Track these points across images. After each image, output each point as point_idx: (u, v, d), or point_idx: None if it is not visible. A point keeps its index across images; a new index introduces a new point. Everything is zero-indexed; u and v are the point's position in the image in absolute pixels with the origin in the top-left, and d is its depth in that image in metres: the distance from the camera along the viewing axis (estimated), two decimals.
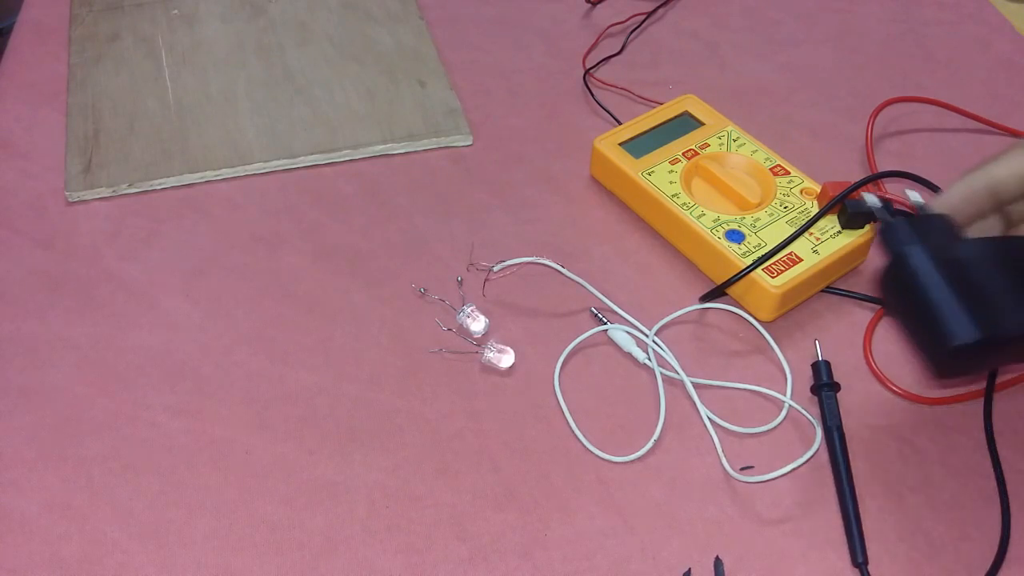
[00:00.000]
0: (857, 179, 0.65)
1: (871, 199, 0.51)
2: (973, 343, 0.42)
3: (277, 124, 0.68)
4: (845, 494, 0.49)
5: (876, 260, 0.60)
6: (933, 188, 0.57)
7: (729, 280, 0.55)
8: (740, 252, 0.56)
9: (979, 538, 0.48)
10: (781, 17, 0.80)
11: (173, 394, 0.53)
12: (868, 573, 0.46)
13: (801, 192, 0.60)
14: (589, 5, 0.80)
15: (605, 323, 0.56)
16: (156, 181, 0.64)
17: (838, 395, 0.52)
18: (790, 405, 0.52)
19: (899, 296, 0.46)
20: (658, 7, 0.80)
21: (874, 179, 0.57)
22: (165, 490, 0.49)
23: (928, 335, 0.44)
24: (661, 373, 0.54)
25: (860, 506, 0.48)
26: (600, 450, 0.51)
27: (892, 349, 0.55)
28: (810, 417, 0.52)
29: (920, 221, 0.47)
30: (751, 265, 0.55)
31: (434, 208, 0.63)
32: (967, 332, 0.42)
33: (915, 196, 0.50)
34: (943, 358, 0.43)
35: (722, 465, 0.50)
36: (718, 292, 0.57)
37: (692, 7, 0.81)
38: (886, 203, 0.50)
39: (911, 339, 0.46)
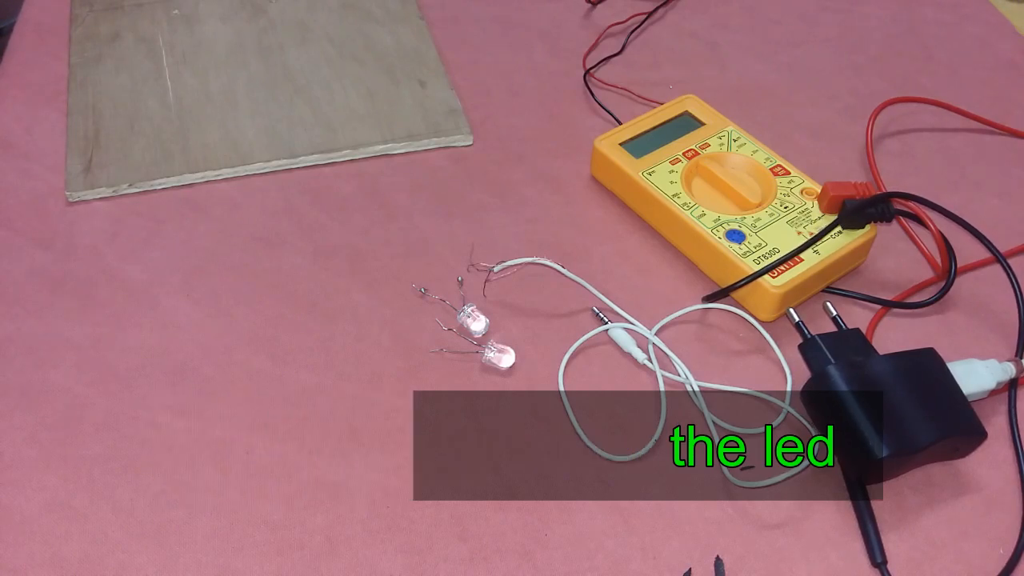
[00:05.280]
0: (857, 179, 0.66)
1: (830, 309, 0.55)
2: (884, 458, 0.46)
3: (277, 124, 0.68)
4: (857, 493, 0.49)
5: (877, 260, 0.61)
6: (941, 211, 0.57)
7: (737, 283, 0.55)
8: (741, 252, 0.56)
9: (980, 538, 0.48)
10: (781, 17, 0.80)
11: (173, 394, 0.53)
12: (888, 573, 0.46)
13: (802, 192, 0.60)
14: (589, 5, 0.80)
15: (606, 322, 0.56)
16: (156, 181, 0.64)
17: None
18: (788, 411, 0.52)
19: (819, 408, 0.50)
20: (658, 7, 0.80)
21: (887, 197, 0.57)
22: (165, 490, 0.49)
23: (846, 449, 0.48)
24: (662, 373, 0.54)
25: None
26: (601, 450, 0.51)
27: (893, 348, 0.55)
28: (807, 423, 0.52)
29: (836, 338, 0.52)
30: (761, 269, 0.55)
31: (434, 208, 0.63)
32: (879, 449, 0.46)
33: (832, 310, 0.54)
34: (861, 468, 0.48)
35: (723, 465, 0.50)
36: (723, 293, 0.57)
37: (692, 7, 0.81)
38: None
39: (832, 447, 0.50)
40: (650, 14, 0.79)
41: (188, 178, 0.64)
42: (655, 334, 0.56)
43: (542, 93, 0.72)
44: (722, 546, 0.47)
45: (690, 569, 0.46)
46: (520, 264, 0.59)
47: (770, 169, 0.62)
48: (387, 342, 0.56)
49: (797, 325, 0.53)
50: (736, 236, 0.57)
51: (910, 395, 0.48)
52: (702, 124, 0.65)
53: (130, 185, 0.64)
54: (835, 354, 0.51)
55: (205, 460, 0.50)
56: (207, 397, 0.53)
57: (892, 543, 0.48)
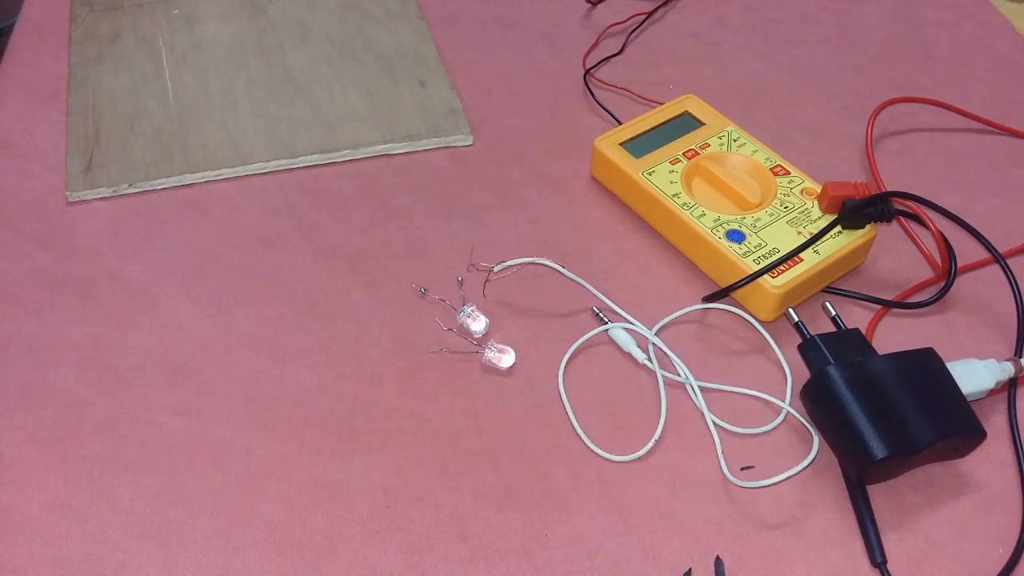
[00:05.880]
0: (857, 179, 0.66)
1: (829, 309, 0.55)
2: (884, 459, 0.46)
3: (277, 124, 0.68)
4: (857, 493, 0.49)
5: (877, 260, 0.61)
6: (941, 211, 0.57)
7: (737, 283, 0.55)
8: (741, 252, 0.56)
9: (980, 538, 0.48)
10: (781, 17, 0.80)
11: (173, 394, 0.53)
12: (888, 573, 0.46)
13: (802, 192, 0.60)
14: (589, 5, 0.80)
15: (606, 322, 0.56)
16: (156, 181, 0.64)
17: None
18: (788, 411, 0.52)
19: (819, 408, 0.50)
20: (658, 7, 0.80)
21: (886, 196, 0.57)
22: (165, 490, 0.49)
23: (846, 449, 0.49)
24: (662, 373, 0.54)
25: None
26: (601, 450, 0.51)
27: (893, 348, 0.55)
28: (807, 423, 0.52)
29: (835, 338, 0.52)
30: (761, 269, 0.55)
31: (434, 208, 0.63)
32: (879, 449, 0.47)
33: (831, 309, 0.55)
34: (861, 468, 0.48)
35: (723, 465, 0.50)
36: (723, 293, 0.57)
37: (692, 7, 0.81)
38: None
39: (832, 447, 0.50)
40: (650, 14, 0.79)
41: (188, 178, 0.64)
42: (655, 334, 0.56)
43: (542, 93, 0.72)
44: (722, 546, 0.47)
45: (690, 569, 0.46)
46: (520, 264, 0.59)
47: (770, 169, 0.62)
48: (387, 342, 0.56)
49: (796, 325, 0.53)
50: (736, 236, 0.57)
51: (909, 395, 0.48)
52: (702, 124, 0.65)
53: (130, 185, 0.64)
54: (834, 354, 0.51)
55: (205, 460, 0.50)
56: (207, 397, 0.53)
57: (892, 543, 0.48)
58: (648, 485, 0.50)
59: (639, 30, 0.78)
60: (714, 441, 0.51)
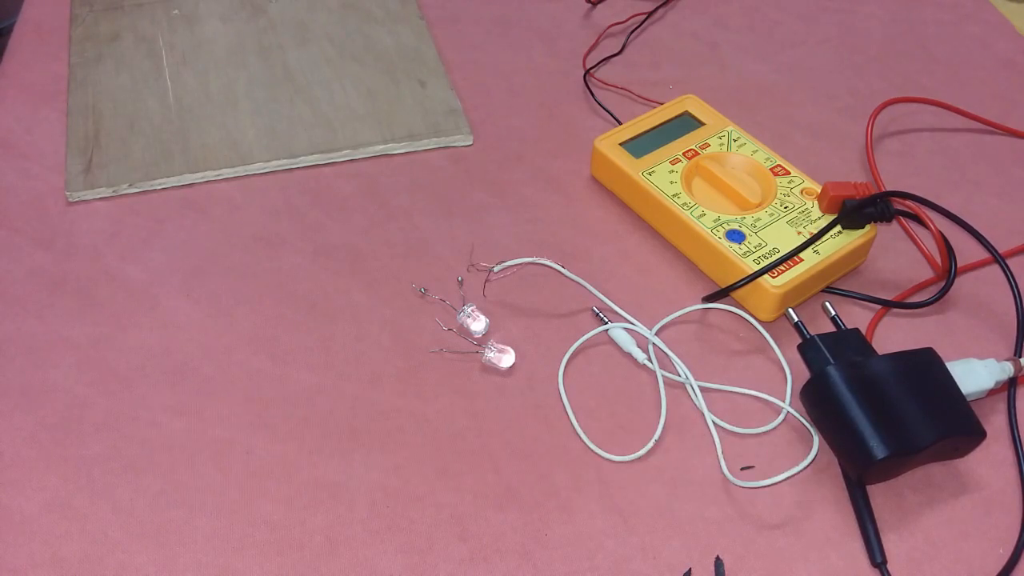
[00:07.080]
0: (857, 179, 0.66)
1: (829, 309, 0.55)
2: (884, 459, 0.46)
3: (277, 124, 0.68)
4: (857, 493, 0.49)
5: (877, 260, 0.61)
6: (941, 211, 0.57)
7: (737, 283, 0.55)
8: (741, 252, 0.56)
9: (980, 538, 0.48)
10: (781, 17, 0.80)
11: (173, 394, 0.53)
12: (888, 573, 0.46)
13: (802, 192, 0.60)
14: (589, 5, 0.80)
15: (606, 322, 0.56)
16: (156, 181, 0.64)
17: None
18: (788, 411, 0.52)
19: (819, 408, 0.50)
20: (658, 7, 0.80)
21: (886, 196, 0.57)
22: (165, 490, 0.49)
23: (846, 449, 0.48)
24: (662, 373, 0.54)
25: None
26: (601, 450, 0.51)
27: (893, 348, 0.55)
28: (807, 423, 0.52)
29: (835, 338, 0.52)
30: (761, 269, 0.55)
31: (434, 208, 0.63)
32: (879, 449, 0.47)
33: (831, 310, 0.55)
34: (861, 469, 0.48)
35: (722, 465, 0.50)
36: (723, 293, 0.57)
37: (692, 7, 0.81)
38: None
39: (832, 447, 0.50)
40: (650, 14, 0.79)
41: (188, 178, 0.64)
42: (655, 334, 0.56)
43: (542, 93, 0.72)
44: (722, 546, 0.47)
45: (690, 569, 0.46)
46: (520, 264, 0.59)
47: (770, 169, 0.62)
48: (387, 342, 0.56)
49: (796, 325, 0.53)
50: (736, 236, 0.57)
51: (909, 395, 0.48)
52: (702, 124, 0.65)
53: (130, 185, 0.64)
54: (834, 354, 0.51)
55: (205, 460, 0.50)
56: (207, 397, 0.53)
57: (892, 543, 0.48)
58: (648, 485, 0.50)
59: (639, 30, 0.78)
60: (714, 441, 0.51)
